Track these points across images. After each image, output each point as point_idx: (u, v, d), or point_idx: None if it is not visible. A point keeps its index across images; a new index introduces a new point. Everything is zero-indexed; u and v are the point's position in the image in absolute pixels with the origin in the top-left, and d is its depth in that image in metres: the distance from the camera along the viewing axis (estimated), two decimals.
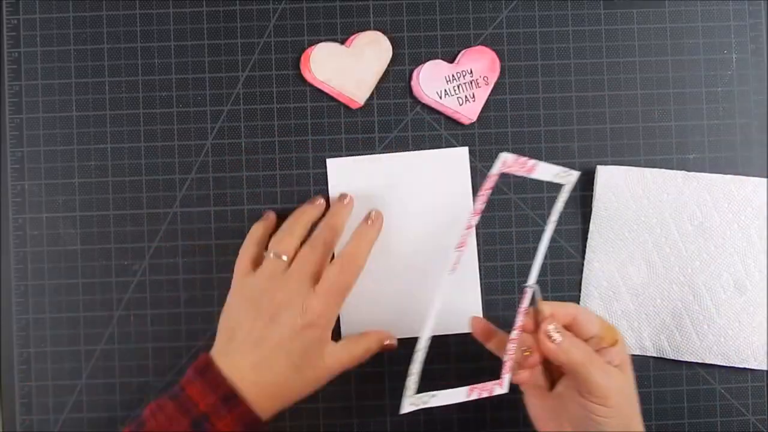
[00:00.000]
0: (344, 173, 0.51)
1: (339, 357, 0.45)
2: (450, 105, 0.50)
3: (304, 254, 0.45)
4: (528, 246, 0.51)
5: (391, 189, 0.51)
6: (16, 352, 0.50)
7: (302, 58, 0.50)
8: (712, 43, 0.52)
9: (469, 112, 0.50)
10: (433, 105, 0.50)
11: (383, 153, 0.51)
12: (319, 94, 0.51)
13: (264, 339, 0.43)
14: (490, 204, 0.51)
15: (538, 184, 0.51)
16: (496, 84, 0.51)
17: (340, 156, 0.51)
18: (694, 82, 0.52)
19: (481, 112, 0.51)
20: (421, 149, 0.51)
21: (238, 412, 0.41)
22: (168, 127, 0.51)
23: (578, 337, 0.41)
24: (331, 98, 0.51)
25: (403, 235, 0.50)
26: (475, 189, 0.51)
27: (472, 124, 0.51)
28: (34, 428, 0.50)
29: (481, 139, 0.51)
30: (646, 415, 0.50)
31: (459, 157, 0.51)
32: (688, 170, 0.51)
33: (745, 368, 0.50)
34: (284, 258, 0.45)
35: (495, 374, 0.51)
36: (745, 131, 0.52)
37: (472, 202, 0.50)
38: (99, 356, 0.50)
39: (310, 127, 0.51)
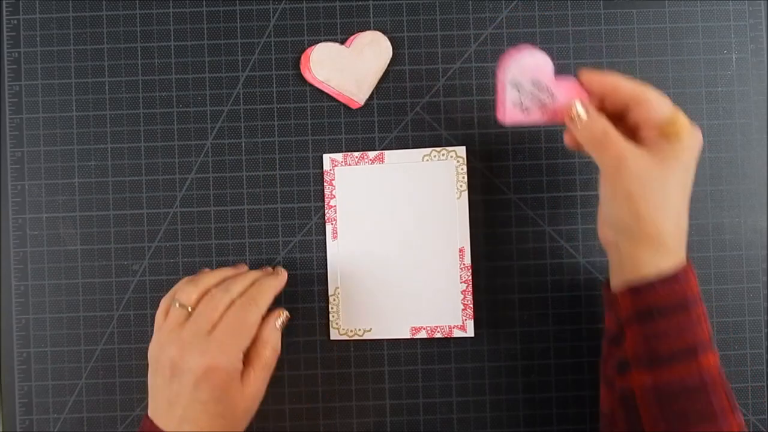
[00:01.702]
0: (341, 172, 0.51)
1: (254, 377, 0.43)
2: (509, 96, 0.45)
3: (204, 302, 0.43)
4: (528, 246, 0.51)
5: (387, 187, 0.51)
6: (16, 352, 0.50)
7: (302, 57, 0.50)
8: (712, 43, 0.52)
9: (513, 115, 0.45)
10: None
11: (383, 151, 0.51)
12: (319, 94, 0.51)
13: (174, 396, 0.41)
14: (490, 204, 0.51)
15: (539, 183, 0.51)
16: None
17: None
18: (694, 82, 0.52)
19: (481, 112, 0.51)
20: (421, 149, 0.51)
21: None
22: (168, 127, 0.51)
23: (642, 119, 0.40)
24: (331, 98, 0.51)
25: (398, 234, 0.50)
26: (472, 188, 0.51)
27: (472, 124, 0.51)
28: (34, 428, 0.50)
29: (481, 139, 0.51)
30: None
31: (456, 156, 0.51)
32: None
33: (745, 368, 0.50)
34: (188, 308, 0.43)
35: (494, 375, 0.51)
36: (745, 131, 0.52)
37: (467, 202, 0.50)
38: (99, 356, 0.50)
39: (310, 127, 0.51)
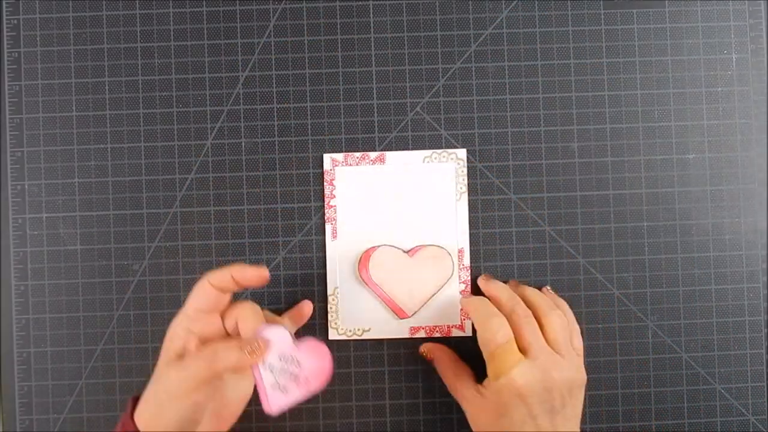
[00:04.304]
0: (341, 172, 0.51)
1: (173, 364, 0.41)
2: (265, 380, 0.42)
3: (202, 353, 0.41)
4: (528, 246, 0.51)
5: (387, 188, 0.51)
6: (16, 352, 0.50)
7: (363, 255, 0.50)
8: (712, 43, 0.52)
9: (276, 399, 0.42)
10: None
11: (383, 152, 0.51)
12: (319, 93, 0.51)
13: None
14: (490, 204, 0.51)
15: (539, 183, 0.51)
16: (496, 84, 0.51)
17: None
18: (694, 82, 0.52)
19: (481, 112, 0.51)
20: (421, 149, 0.51)
21: None
22: (168, 127, 0.51)
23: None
24: (332, 98, 0.51)
25: (397, 234, 0.50)
26: (472, 188, 0.51)
27: (472, 124, 0.51)
28: (34, 428, 0.50)
29: (481, 139, 0.51)
30: (646, 414, 0.51)
31: (457, 159, 0.51)
32: (688, 170, 0.51)
33: (745, 368, 0.50)
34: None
35: None
36: (745, 131, 0.52)
37: (467, 204, 0.50)
38: (99, 356, 0.50)
39: (310, 127, 0.51)
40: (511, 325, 0.42)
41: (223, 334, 0.43)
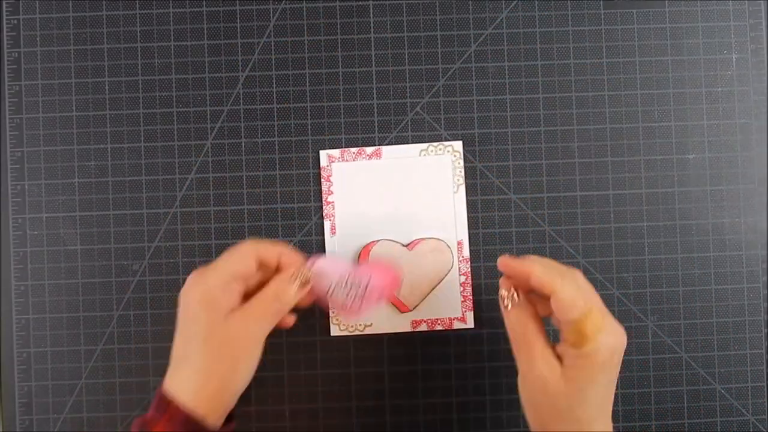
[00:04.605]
0: (338, 168, 0.51)
1: (243, 317, 0.41)
2: (336, 305, 0.45)
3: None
4: (528, 246, 0.51)
5: (385, 183, 0.51)
6: (16, 352, 0.50)
7: (362, 250, 0.50)
8: (712, 43, 0.52)
9: (409, 300, 0.48)
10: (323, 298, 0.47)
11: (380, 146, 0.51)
12: (319, 93, 0.51)
13: (174, 343, 0.42)
14: (490, 204, 0.51)
15: (539, 183, 0.51)
16: (496, 84, 0.51)
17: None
18: (694, 82, 0.52)
19: (481, 112, 0.51)
20: (418, 144, 0.51)
21: (170, 414, 0.39)
22: (168, 127, 0.51)
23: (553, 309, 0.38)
24: (332, 98, 0.51)
25: (397, 229, 0.50)
26: (472, 188, 0.51)
27: (472, 124, 0.51)
28: (34, 428, 0.50)
29: (481, 139, 0.51)
30: (645, 414, 0.51)
31: (453, 151, 0.51)
32: (688, 170, 0.51)
33: (745, 368, 0.50)
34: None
35: (493, 375, 0.51)
36: (745, 131, 0.52)
37: (465, 196, 0.50)
38: (99, 356, 0.50)
39: (310, 127, 0.51)
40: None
41: (258, 281, 0.43)
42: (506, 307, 0.40)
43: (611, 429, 0.38)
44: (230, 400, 0.41)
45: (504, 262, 0.41)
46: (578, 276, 0.39)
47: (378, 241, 0.49)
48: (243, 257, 0.42)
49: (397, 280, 0.46)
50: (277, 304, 0.42)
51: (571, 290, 0.37)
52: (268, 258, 0.42)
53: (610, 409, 0.38)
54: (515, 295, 0.40)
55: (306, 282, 0.42)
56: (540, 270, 0.38)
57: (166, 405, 0.39)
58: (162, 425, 0.39)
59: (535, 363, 0.38)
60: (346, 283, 0.43)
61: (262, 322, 0.41)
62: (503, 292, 0.41)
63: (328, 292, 0.43)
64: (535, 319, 0.40)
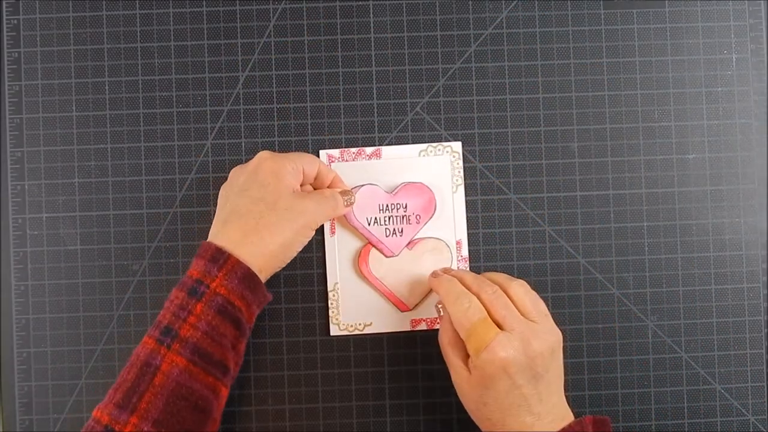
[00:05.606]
0: (338, 168, 0.51)
1: (301, 197, 0.45)
2: (376, 233, 0.49)
3: None
4: (528, 246, 0.51)
5: (384, 183, 0.51)
6: (16, 352, 0.50)
7: (362, 250, 0.50)
8: (712, 43, 0.52)
9: (393, 245, 0.50)
10: (360, 229, 0.49)
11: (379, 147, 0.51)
12: (319, 93, 0.51)
13: (225, 200, 0.46)
14: (490, 204, 0.51)
15: (539, 183, 0.51)
16: (496, 84, 0.51)
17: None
18: (694, 82, 0.52)
19: (481, 112, 0.51)
20: (418, 145, 0.51)
21: (228, 267, 0.41)
22: (168, 127, 0.51)
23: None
24: (332, 98, 0.51)
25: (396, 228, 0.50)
26: (472, 188, 0.51)
27: (472, 124, 0.51)
28: (34, 428, 0.50)
29: (481, 139, 0.51)
30: (645, 414, 0.51)
31: (452, 151, 0.51)
32: (688, 170, 0.51)
33: (745, 368, 0.50)
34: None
35: None
36: (745, 131, 0.52)
37: (464, 196, 0.50)
38: (99, 356, 0.50)
39: (310, 127, 0.51)
40: (482, 303, 0.42)
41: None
42: (438, 318, 0.47)
43: (533, 429, 0.40)
44: (278, 266, 0.45)
45: (432, 275, 0.47)
46: (500, 292, 0.43)
47: (362, 186, 0.50)
48: (312, 160, 0.47)
49: (432, 200, 0.49)
50: (333, 201, 0.46)
51: (460, 311, 0.41)
52: (323, 173, 0.47)
53: (529, 411, 0.40)
54: (441, 308, 0.45)
55: (350, 203, 0.48)
56: (443, 289, 0.43)
57: (224, 259, 0.42)
58: (220, 279, 0.41)
59: (452, 369, 0.43)
60: (387, 208, 0.48)
61: (322, 206, 0.45)
62: (436, 303, 0.47)
63: (368, 222, 0.49)
64: (455, 332, 0.43)
